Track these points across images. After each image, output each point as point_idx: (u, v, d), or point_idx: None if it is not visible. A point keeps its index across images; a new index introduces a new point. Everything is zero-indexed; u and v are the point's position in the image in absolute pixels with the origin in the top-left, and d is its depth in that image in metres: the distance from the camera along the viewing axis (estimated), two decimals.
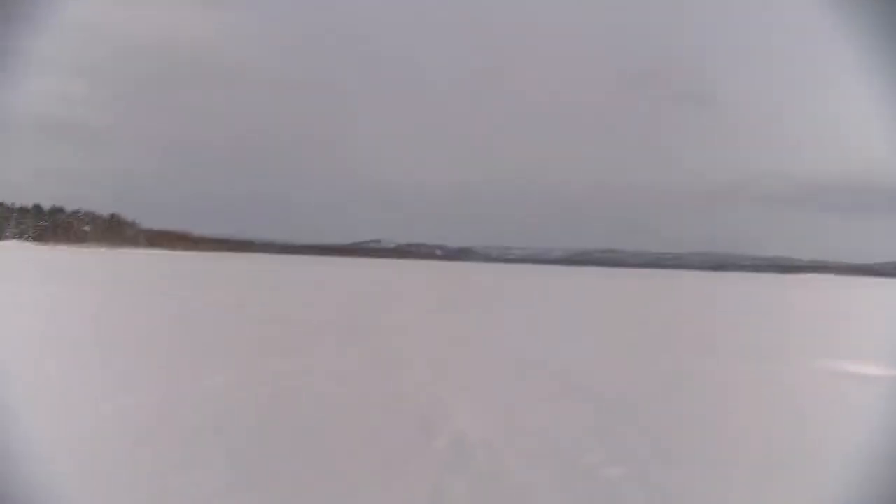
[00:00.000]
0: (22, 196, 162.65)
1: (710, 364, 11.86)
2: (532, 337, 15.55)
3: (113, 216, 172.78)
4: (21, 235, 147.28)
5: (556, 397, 8.46)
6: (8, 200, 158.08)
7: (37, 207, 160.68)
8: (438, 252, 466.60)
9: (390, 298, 29.13)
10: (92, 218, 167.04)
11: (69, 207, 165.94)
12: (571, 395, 8.59)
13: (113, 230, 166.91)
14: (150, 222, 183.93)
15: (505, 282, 56.05)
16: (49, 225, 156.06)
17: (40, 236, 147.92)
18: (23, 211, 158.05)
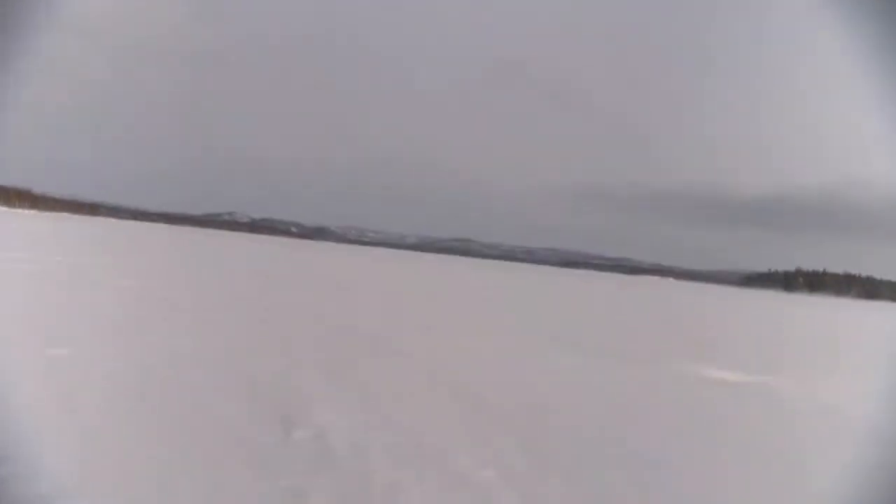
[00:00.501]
0: None
1: (573, 362, 11.80)
2: (391, 322, 15.14)
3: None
4: None
5: (419, 389, 8.18)
6: None
7: None
8: (293, 229, 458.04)
9: (242, 273, 27.91)
10: None
11: None
12: (436, 389, 8.33)
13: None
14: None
15: (358, 264, 55.60)
16: None
17: None
18: None
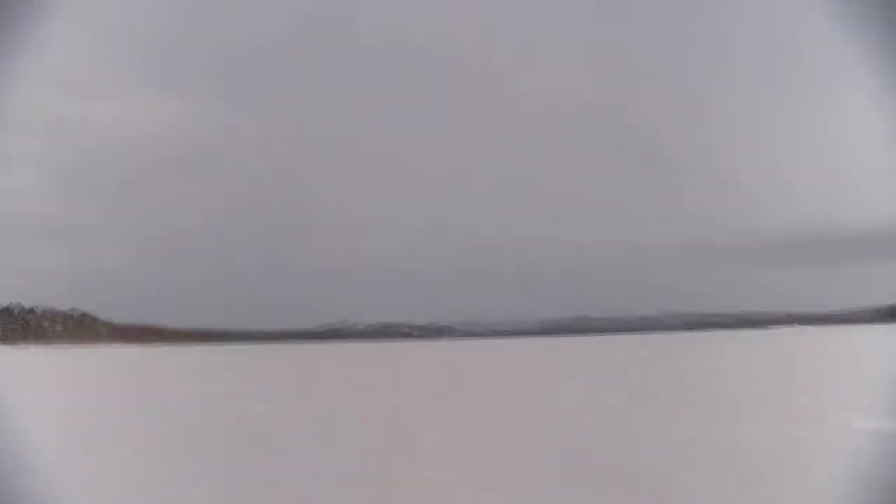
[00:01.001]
0: None
1: (746, 430, 11.57)
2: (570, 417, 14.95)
3: (84, 315, 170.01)
4: None
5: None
6: None
7: (6, 309, 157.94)
8: (410, 331, 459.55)
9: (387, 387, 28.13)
10: (63, 317, 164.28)
11: (39, 307, 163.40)
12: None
13: (84, 328, 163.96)
14: (122, 317, 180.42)
15: (486, 360, 55.10)
16: (20, 326, 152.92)
17: (11, 338, 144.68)
18: None
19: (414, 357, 65.61)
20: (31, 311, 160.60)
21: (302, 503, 7.72)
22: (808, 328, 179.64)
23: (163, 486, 8.52)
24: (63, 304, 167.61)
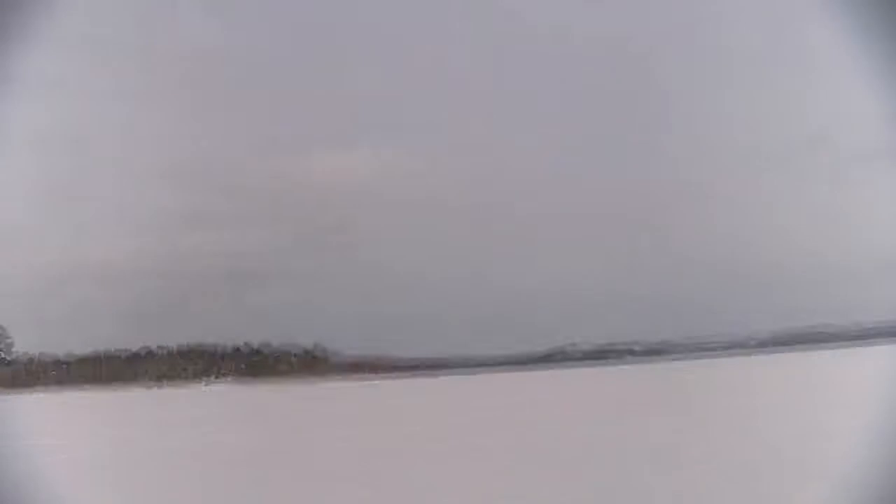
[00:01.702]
0: (231, 338, 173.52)
1: None
2: None
3: (316, 347, 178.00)
4: (228, 376, 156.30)
5: None
6: (220, 343, 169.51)
7: (245, 346, 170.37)
8: (635, 348, 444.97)
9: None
10: (295, 353, 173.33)
11: (272, 345, 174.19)
12: None
13: (314, 363, 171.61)
14: (353, 351, 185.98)
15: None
16: (257, 363, 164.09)
17: (249, 374, 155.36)
18: (233, 352, 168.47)
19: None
20: (265, 347, 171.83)
21: None
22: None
23: None
24: (292, 340, 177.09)
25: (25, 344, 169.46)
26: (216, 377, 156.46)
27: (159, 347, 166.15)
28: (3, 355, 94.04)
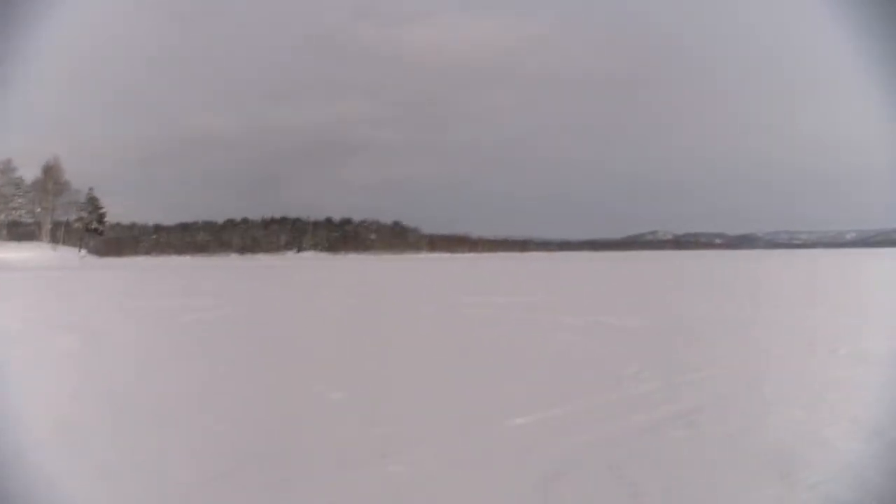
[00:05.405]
0: (316, 211, 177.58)
1: None
2: None
3: (396, 224, 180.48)
4: (316, 246, 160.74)
5: None
6: (304, 216, 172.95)
7: (328, 220, 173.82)
8: (718, 241, 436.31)
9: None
10: (377, 227, 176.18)
11: (357, 218, 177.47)
12: None
13: (397, 237, 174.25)
14: (431, 228, 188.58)
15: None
16: (340, 236, 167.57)
17: (332, 246, 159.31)
18: (317, 224, 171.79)
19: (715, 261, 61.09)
20: (349, 221, 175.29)
21: None
22: None
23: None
24: (381, 216, 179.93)
25: (120, 214, 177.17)
26: (304, 247, 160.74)
27: (244, 220, 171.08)
28: (96, 225, 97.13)
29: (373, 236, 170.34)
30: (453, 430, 5.10)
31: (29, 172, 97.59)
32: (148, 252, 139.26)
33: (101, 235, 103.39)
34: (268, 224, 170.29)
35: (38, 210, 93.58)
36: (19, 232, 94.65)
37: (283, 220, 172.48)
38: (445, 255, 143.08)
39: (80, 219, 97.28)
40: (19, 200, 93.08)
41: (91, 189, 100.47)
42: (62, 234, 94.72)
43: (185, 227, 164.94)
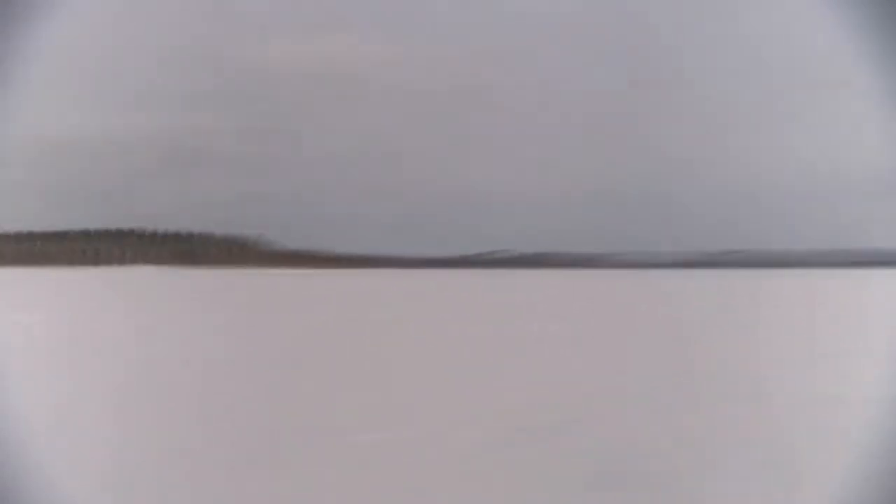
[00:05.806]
0: (155, 223, 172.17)
1: None
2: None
3: (237, 238, 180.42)
4: (153, 261, 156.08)
5: None
6: (142, 228, 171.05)
7: (165, 234, 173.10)
8: (565, 260, 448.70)
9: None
10: (218, 241, 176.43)
11: (197, 232, 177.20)
12: None
13: (238, 252, 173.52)
14: (280, 243, 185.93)
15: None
16: (179, 249, 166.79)
17: (170, 261, 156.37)
18: (153, 237, 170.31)
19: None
20: (190, 234, 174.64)
21: None
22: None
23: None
24: (223, 230, 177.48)
25: None
26: (145, 261, 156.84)
27: (82, 230, 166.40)
28: None
29: (214, 251, 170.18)
30: None
31: None
32: None
33: None
34: (115, 234, 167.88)
35: None
36: None
37: (130, 231, 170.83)
38: (288, 272, 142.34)
39: None
40: None
41: None
42: None
43: (21, 236, 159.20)
